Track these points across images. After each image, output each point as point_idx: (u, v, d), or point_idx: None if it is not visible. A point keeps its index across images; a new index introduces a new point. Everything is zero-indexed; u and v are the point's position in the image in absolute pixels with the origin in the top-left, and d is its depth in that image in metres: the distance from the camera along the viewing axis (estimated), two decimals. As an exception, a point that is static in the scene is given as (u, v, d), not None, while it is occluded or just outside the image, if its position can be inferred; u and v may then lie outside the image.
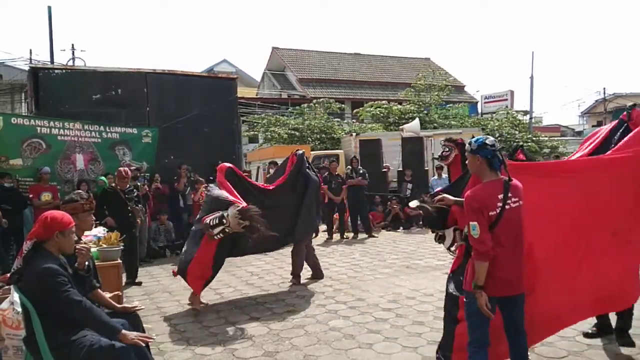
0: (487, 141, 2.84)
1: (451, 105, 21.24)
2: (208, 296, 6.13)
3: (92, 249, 3.67)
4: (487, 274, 2.72)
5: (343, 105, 23.53)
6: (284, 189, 6.32)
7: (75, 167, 9.11)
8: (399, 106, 20.42)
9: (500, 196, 2.75)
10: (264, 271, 7.52)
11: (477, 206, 2.74)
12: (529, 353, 3.16)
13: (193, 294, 5.51)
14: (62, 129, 8.93)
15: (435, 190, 3.61)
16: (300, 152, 6.66)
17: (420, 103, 20.41)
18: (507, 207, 2.74)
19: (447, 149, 6.86)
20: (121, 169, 8.36)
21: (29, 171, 8.53)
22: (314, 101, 21.39)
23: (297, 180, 6.40)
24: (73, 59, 24.46)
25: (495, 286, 2.77)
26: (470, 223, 2.74)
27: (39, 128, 8.69)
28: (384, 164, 12.94)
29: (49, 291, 2.69)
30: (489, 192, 2.78)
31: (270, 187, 6.35)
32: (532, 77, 26.69)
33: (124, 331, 2.83)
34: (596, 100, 33.42)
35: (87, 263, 3.17)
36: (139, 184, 8.88)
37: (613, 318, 4.01)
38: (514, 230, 2.80)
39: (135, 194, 8.70)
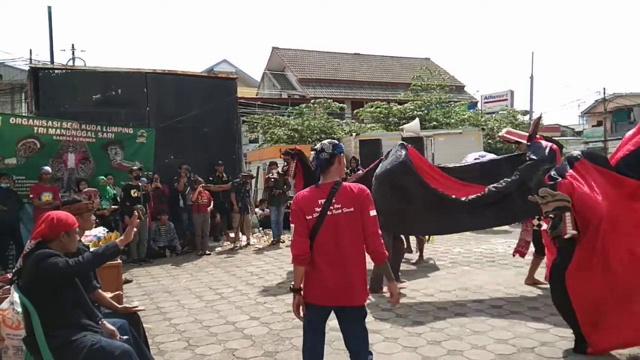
0: (317, 145, 2.87)
1: (453, 103, 21.12)
2: (208, 296, 6.14)
3: (92, 249, 3.67)
4: (309, 281, 2.74)
5: (343, 105, 23.46)
6: None
7: (65, 166, 9.10)
8: (399, 106, 20.37)
9: (322, 201, 2.69)
10: (264, 271, 7.53)
11: (295, 208, 2.76)
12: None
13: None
14: (60, 129, 8.89)
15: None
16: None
17: (421, 102, 20.34)
18: (328, 213, 2.67)
19: (286, 163, 6.34)
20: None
21: (22, 170, 8.49)
22: (313, 101, 21.33)
23: None
24: (73, 59, 24.52)
25: (314, 295, 2.75)
26: (291, 225, 2.83)
27: (36, 128, 8.66)
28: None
29: (47, 272, 2.66)
30: (311, 196, 2.74)
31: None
32: (532, 77, 26.84)
33: (119, 240, 2.95)
34: (596, 100, 33.29)
35: None
36: (140, 184, 8.89)
37: None
38: (338, 237, 2.68)
39: (136, 195, 8.75)
